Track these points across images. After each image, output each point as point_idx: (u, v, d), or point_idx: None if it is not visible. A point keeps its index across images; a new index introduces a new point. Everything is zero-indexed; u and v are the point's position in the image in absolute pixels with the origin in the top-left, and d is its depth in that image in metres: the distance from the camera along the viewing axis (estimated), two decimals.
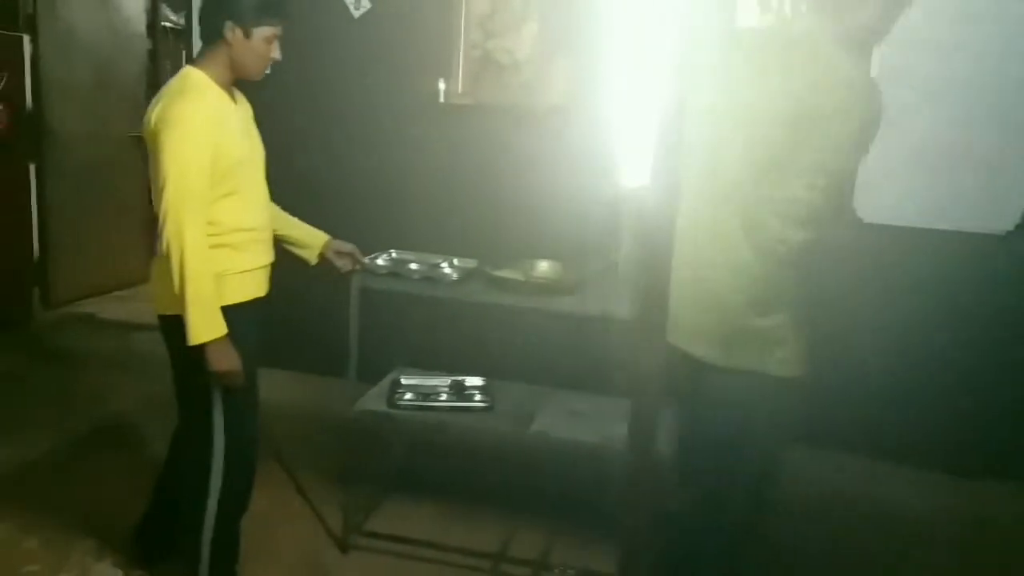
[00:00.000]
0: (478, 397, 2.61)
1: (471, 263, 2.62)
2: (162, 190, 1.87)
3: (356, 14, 3.63)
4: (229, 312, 1.98)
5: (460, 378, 2.71)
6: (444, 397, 2.60)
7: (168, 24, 5.54)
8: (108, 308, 4.85)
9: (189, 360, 1.97)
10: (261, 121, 2.19)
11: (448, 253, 2.69)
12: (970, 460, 3.19)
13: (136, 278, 5.14)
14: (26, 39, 4.33)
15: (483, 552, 2.58)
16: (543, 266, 2.56)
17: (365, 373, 2.56)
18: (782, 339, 1.71)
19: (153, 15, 5.24)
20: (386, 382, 2.71)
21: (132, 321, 4.63)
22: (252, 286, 2.11)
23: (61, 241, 4.66)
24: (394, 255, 2.68)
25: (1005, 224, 3.09)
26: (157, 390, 3.70)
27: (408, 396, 2.59)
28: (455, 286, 2.44)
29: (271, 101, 2.49)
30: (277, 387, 2.80)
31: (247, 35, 1.96)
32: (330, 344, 2.73)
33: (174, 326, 1.95)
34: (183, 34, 5.98)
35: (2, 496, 2.83)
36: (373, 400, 2.60)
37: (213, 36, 1.98)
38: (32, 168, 4.46)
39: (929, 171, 3.14)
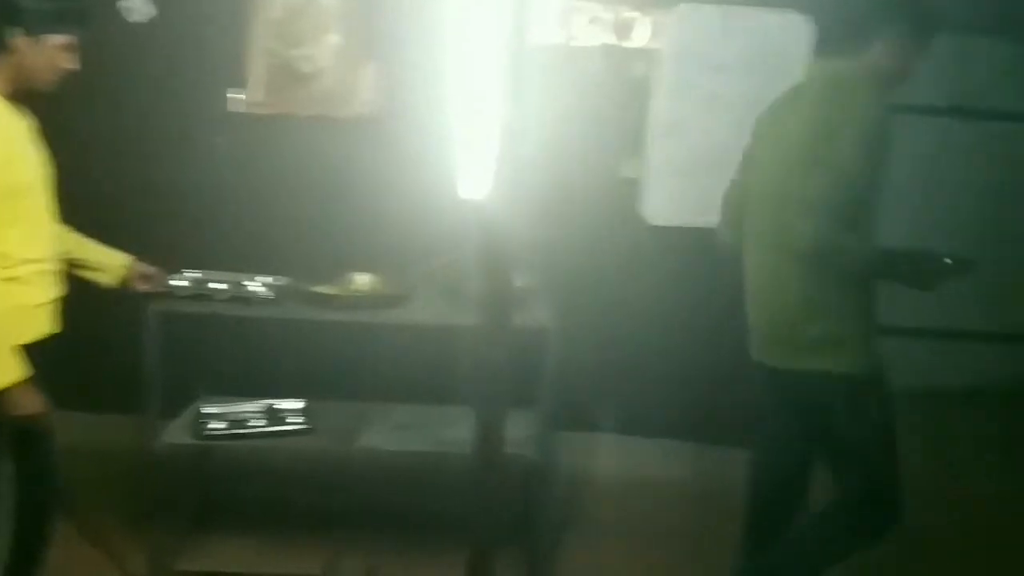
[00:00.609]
0: (295, 419, 2.52)
1: (282, 280, 2.52)
2: None
3: (131, 19, 3.36)
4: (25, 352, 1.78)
5: (273, 402, 2.60)
6: (258, 423, 2.48)
7: None
8: None
9: None
10: (44, 136, 2.00)
11: (255, 271, 2.56)
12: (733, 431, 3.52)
13: None
14: None
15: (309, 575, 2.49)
16: (361, 279, 2.53)
17: (169, 406, 2.39)
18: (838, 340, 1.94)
19: None
20: (189, 413, 2.56)
21: None
22: (44, 322, 1.91)
23: None
24: (197, 275, 2.52)
25: None
26: None
27: (215, 425, 2.45)
28: (269, 305, 2.35)
29: (56, 114, 2.26)
30: (67, 431, 2.55)
31: (37, 43, 1.79)
32: (127, 378, 2.52)
33: None
34: None
35: None
36: (176, 433, 2.45)
37: None
38: None
39: (706, 176, 3.43)
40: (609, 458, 3.37)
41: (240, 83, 3.35)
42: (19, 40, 1.78)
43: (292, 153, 3.39)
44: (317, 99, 3.40)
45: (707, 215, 3.41)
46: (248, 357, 2.99)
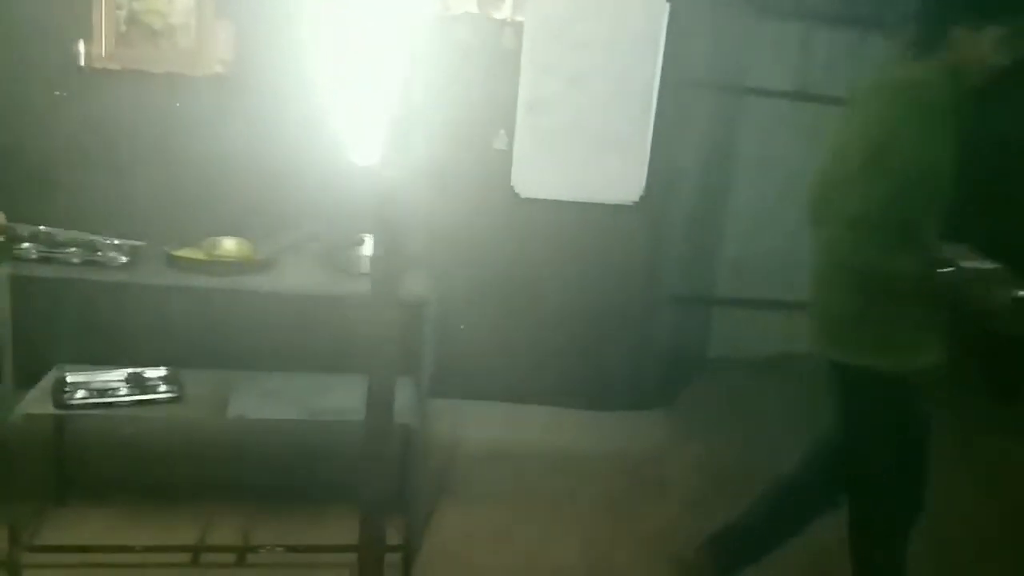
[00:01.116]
0: (162, 388, 2.43)
1: (138, 243, 2.41)
2: None
3: None
4: None
5: (138, 370, 2.49)
6: (123, 391, 2.38)
7: None
8: None
9: None
10: None
11: (110, 234, 2.43)
12: (605, 396, 3.74)
13: None
14: None
15: (180, 546, 2.44)
16: (227, 244, 2.45)
17: (20, 376, 2.25)
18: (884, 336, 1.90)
19: None
20: (47, 381, 2.41)
21: None
22: None
23: None
24: (42, 230, 2.35)
25: (633, 195, 3.64)
26: None
27: (80, 394, 2.33)
28: (126, 269, 2.25)
29: None
30: None
31: None
32: None
33: None
34: None
35: None
36: (36, 403, 2.30)
37: None
38: None
39: (574, 151, 3.58)
40: (482, 424, 3.46)
41: (86, 36, 3.14)
42: None
43: (142, 110, 3.22)
44: (169, 56, 3.24)
45: (572, 189, 3.60)
46: (108, 323, 2.85)
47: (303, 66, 3.19)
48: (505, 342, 3.60)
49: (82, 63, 3.15)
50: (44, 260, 2.23)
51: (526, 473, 3.20)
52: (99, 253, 2.28)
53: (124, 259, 2.26)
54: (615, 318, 3.72)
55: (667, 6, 3.47)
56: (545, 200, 3.58)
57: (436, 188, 3.14)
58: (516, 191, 3.55)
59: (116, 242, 2.33)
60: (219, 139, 3.14)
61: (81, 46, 3.14)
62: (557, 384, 3.67)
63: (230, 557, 2.46)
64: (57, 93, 3.20)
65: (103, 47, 3.17)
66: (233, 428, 2.41)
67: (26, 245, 2.23)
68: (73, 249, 2.27)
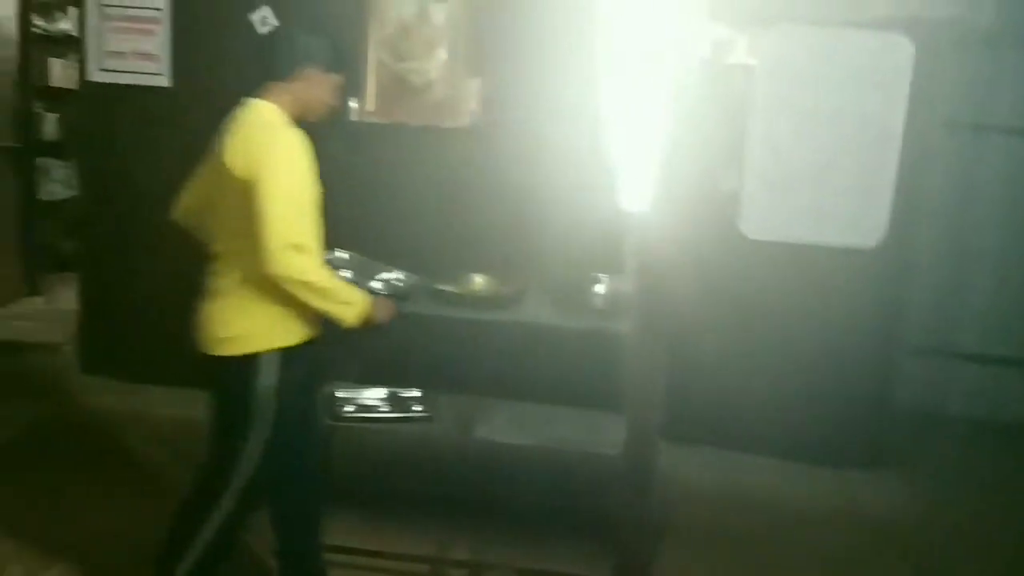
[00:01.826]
0: (417, 407, 2.68)
1: (413, 277, 2.69)
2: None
3: (262, 31, 3.63)
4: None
5: (396, 390, 2.77)
6: (384, 408, 2.66)
7: (37, 30, 5.25)
8: None
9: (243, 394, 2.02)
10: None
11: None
12: (835, 450, 3.57)
13: (12, 295, 4.89)
14: None
15: (422, 556, 2.65)
16: (477, 280, 2.68)
17: None
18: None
19: (24, 21, 4.97)
20: (321, 396, 2.74)
21: (12, 340, 4.40)
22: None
23: None
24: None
25: (872, 239, 3.49)
26: (50, 413, 3.59)
27: (349, 408, 2.63)
28: (405, 300, 2.51)
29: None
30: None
31: (324, 78, 2.09)
32: None
33: (234, 365, 2.01)
34: (55, 40, 5.70)
35: None
36: None
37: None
38: None
39: (806, 192, 3.51)
40: (707, 471, 3.43)
41: (357, 94, 3.58)
42: (311, 73, 2.04)
43: (401, 159, 3.60)
44: (427, 110, 3.60)
45: (804, 232, 3.52)
46: (369, 346, 3.19)
47: (544, 116, 3.41)
48: (728, 388, 3.56)
49: (353, 117, 3.59)
50: None
51: (749, 524, 3.13)
52: (393, 284, 2.54)
53: (405, 290, 2.51)
54: (849, 369, 3.56)
55: (911, 46, 3.33)
56: (775, 243, 3.53)
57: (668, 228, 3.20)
58: (743, 233, 3.53)
59: (402, 276, 2.60)
60: (469, 185, 3.44)
61: (352, 102, 3.59)
62: (783, 435, 3.56)
63: (463, 573, 2.64)
64: (336, 144, 3.65)
65: (370, 103, 3.60)
66: (478, 450, 2.59)
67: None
68: (376, 284, 2.53)
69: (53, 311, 4.86)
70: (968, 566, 2.98)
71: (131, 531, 2.67)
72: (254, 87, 3.53)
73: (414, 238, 3.44)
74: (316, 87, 2.07)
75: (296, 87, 2.05)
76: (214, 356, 2.04)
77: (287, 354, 2.03)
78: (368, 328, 2.08)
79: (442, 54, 3.55)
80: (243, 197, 1.91)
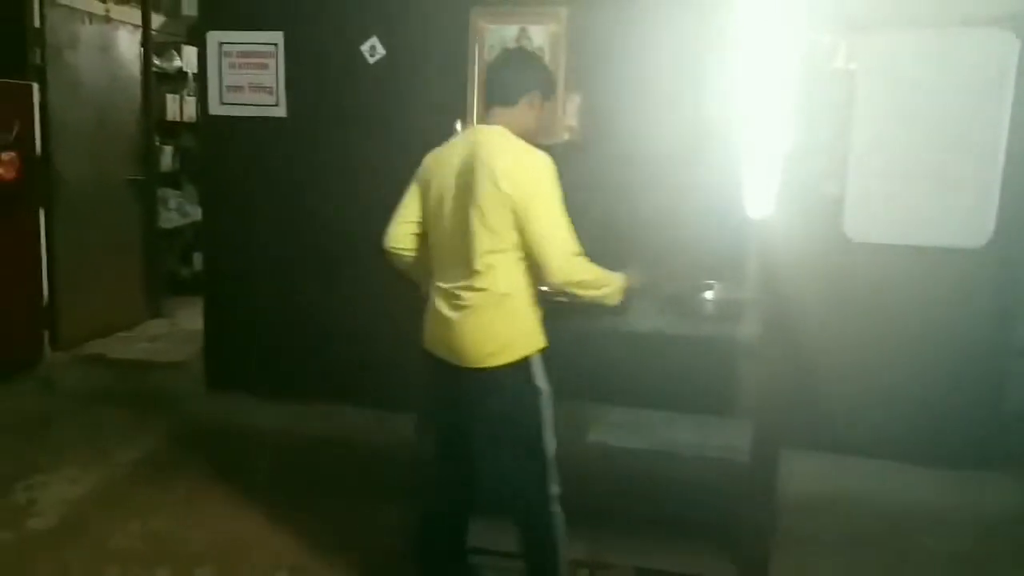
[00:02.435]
0: None
1: None
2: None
3: (371, 60, 3.85)
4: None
5: None
6: None
7: (156, 69, 5.65)
8: (115, 348, 4.89)
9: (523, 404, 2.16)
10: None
11: None
12: (948, 452, 3.52)
13: (138, 318, 5.23)
14: (35, 88, 4.41)
15: None
16: None
17: None
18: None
19: (147, 61, 5.35)
20: None
21: (141, 360, 4.71)
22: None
23: (69, 283, 4.70)
24: None
25: (980, 239, 3.45)
26: (182, 427, 3.86)
27: None
28: None
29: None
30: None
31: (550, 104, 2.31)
32: None
33: (511, 373, 2.13)
34: (171, 78, 6.11)
35: (68, 530, 2.92)
36: None
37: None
38: (41, 213, 4.50)
39: (910, 194, 3.49)
40: (823, 475, 3.43)
41: (463, 114, 3.74)
42: (533, 99, 2.20)
43: None
44: None
45: (909, 233, 3.51)
46: None
47: (639, 128, 3.50)
48: (837, 392, 3.56)
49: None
50: None
51: (865, 526, 3.12)
52: None
53: None
54: (960, 370, 3.51)
55: (1018, 43, 3.29)
56: (879, 244, 3.52)
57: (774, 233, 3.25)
58: (848, 236, 3.53)
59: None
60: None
61: (458, 124, 3.75)
62: (895, 437, 3.53)
63: (584, 572, 2.73)
64: None
65: (475, 121, 3.75)
66: (591, 453, 2.68)
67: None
68: None
69: (177, 332, 5.19)
70: None
71: (264, 538, 2.88)
72: (365, 114, 3.84)
73: None
74: (536, 113, 2.22)
75: (519, 112, 2.20)
76: (479, 369, 2.14)
77: (544, 355, 2.20)
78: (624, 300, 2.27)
79: None
80: (510, 216, 2.07)
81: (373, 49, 3.85)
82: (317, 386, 4.06)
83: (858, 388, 3.54)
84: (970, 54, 3.37)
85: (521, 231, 2.07)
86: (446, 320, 2.16)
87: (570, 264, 2.08)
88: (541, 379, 2.17)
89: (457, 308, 2.14)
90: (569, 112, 3.66)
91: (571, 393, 2.95)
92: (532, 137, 2.23)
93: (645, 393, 2.96)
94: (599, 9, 3.57)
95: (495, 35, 3.71)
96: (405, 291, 2.50)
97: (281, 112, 3.99)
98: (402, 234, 2.29)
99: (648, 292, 2.88)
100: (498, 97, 2.20)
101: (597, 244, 3.37)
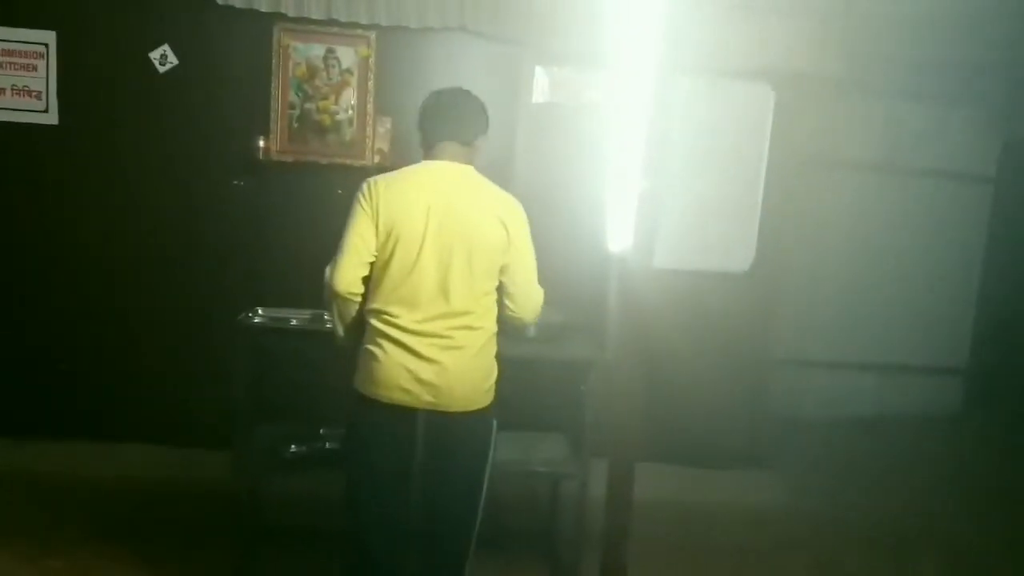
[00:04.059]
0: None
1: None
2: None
3: (161, 69, 3.58)
4: None
5: (333, 428, 2.81)
6: (329, 445, 2.70)
7: None
8: None
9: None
10: None
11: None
12: (727, 455, 3.95)
13: None
14: None
15: None
16: None
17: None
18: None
19: None
20: (259, 436, 2.74)
21: None
22: None
23: None
24: (263, 312, 2.75)
25: (744, 265, 3.93)
26: None
27: (292, 448, 2.66)
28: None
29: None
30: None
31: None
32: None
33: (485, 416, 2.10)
34: None
35: None
36: (255, 454, 2.64)
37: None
38: None
39: (691, 225, 3.89)
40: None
41: (265, 132, 3.59)
42: (483, 140, 2.21)
43: (311, 197, 3.64)
44: (334, 148, 3.67)
45: (687, 260, 3.89)
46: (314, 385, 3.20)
47: None
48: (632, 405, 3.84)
49: (261, 156, 3.59)
50: (270, 331, 2.59)
51: (657, 525, 3.41)
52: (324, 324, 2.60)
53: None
54: (729, 380, 3.96)
55: (773, 94, 3.81)
56: (670, 270, 3.87)
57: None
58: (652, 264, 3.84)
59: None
60: None
61: (260, 142, 3.59)
62: (678, 443, 3.89)
63: None
64: (236, 182, 3.65)
65: (278, 142, 3.62)
66: None
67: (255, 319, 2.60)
68: (295, 322, 2.63)
69: None
70: (853, 551, 3.41)
71: None
72: (151, 126, 3.55)
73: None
74: (481, 152, 2.21)
75: (473, 152, 2.18)
76: (447, 413, 2.04)
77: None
78: None
79: (350, 94, 3.65)
80: (502, 258, 2.07)
81: (164, 57, 3.58)
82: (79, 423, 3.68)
83: (651, 400, 3.85)
84: (736, 102, 3.83)
85: (503, 272, 2.10)
86: (428, 362, 2.02)
87: (538, 312, 2.19)
88: (495, 428, 2.17)
89: (447, 349, 2.03)
90: (379, 136, 3.66)
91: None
92: None
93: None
94: (408, 34, 3.61)
95: (301, 53, 3.61)
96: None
97: (51, 119, 3.57)
98: (358, 278, 2.07)
99: None
100: (457, 135, 2.15)
101: None
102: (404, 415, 2.03)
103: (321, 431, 2.78)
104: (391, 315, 2.03)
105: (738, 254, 3.96)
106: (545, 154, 3.73)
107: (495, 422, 2.15)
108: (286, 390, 2.89)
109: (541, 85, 3.74)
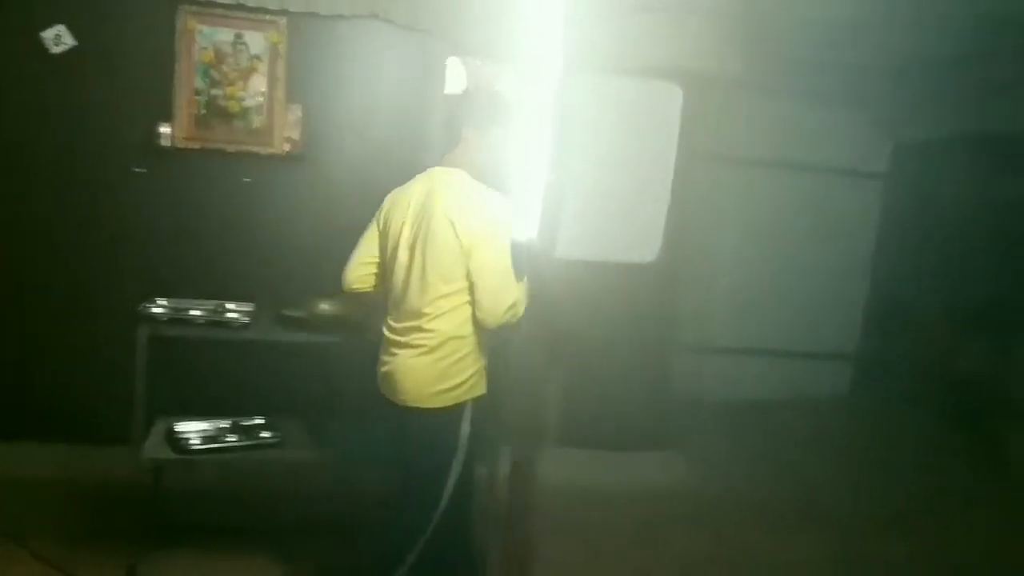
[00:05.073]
0: (265, 434, 2.73)
1: (247, 306, 2.75)
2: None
3: (55, 50, 3.43)
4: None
5: (238, 419, 2.79)
6: (232, 438, 2.67)
7: None
8: None
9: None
10: None
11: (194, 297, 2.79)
12: (626, 437, 4.08)
13: None
14: None
15: None
16: (325, 304, 2.79)
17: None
18: None
19: None
20: (158, 430, 2.69)
21: None
22: None
23: None
24: (165, 302, 2.70)
25: (650, 256, 4.06)
26: None
27: (194, 441, 2.62)
28: (251, 328, 2.57)
29: None
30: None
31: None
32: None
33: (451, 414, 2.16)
34: None
35: None
36: (156, 449, 2.59)
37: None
38: None
39: (597, 217, 3.99)
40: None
41: (168, 118, 3.50)
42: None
43: (219, 185, 3.57)
44: (242, 136, 3.60)
45: (596, 251, 4.00)
46: (207, 379, 3.14)
47: (366, 142, 3.58)
48: (537, 391, 3.93)
49: (164, 143, 3.50)
50: (173, 322, 2.55)
51: (564, 506, 3.51)
52: (226, 314, 2.60)
53: (247, 320, 2.58)
54: (635, 367, 4.10)
55: (680, 92, 3.94)
56: (568, 260, 3.97)
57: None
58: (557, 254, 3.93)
59: (233, 305, 2.67)
60: (290, 210, 3.50)
61: (164, 128, 3.50)
62: (586, 427, 4.00)
63: None
64: (136, 169, 3.54)
65: (183, 128, 3.53)
66: (332, 471, 2.69)
67: (155, 309, 2.55)
68: (198, 312, 2.60)
69: None
70: (753, 528, 3.58)
71: None
72: (40, 111, 3.41)
73: (251, 266, 3.43)
74: (476, 146, 2.29)
75: (467, 150, 2.28)
76: (413, 408, 2.15)
77: (477, 404, 2.20)
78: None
79: (259, 80, 3.58)
80: (447, 260, 2.11)
81: (58, 38, 3.43)
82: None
83: (562, 386, 3.95)
84: (646, 100, 3.95)
85: (470, 275, 2.13)
86: (388, 357, 2.23)
87: (509, 314, 2.18)
88: (467, 425, 2.20)
89: (399, 347, 2.20)
90: (290, 124, 3.61)
91: (308, 410, 2.96)
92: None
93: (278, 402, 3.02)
94: (319, 21, 3.57)
95: (207, 37, 3.52)
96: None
97: None
98: (361, 275, 2.37)
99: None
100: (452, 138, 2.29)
101: (320, 255, 3.43)
102: (388, 404, 2.27)
103: (226, 423, 2.75)
104: (388, 314, 2.29)
105: (644, 245, 4.08)
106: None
107: (464, 425, 2.19)
108: (188, 382, 2.86)
109: (454, 76, 3.76)
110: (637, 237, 4.06)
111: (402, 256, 2.21)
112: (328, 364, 2.99)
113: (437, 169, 2.27)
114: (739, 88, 4.46)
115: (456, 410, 2.18)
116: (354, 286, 2.38)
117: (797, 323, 5.39)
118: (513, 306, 2.19)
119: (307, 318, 2.68)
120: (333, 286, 2.99)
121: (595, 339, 4.00)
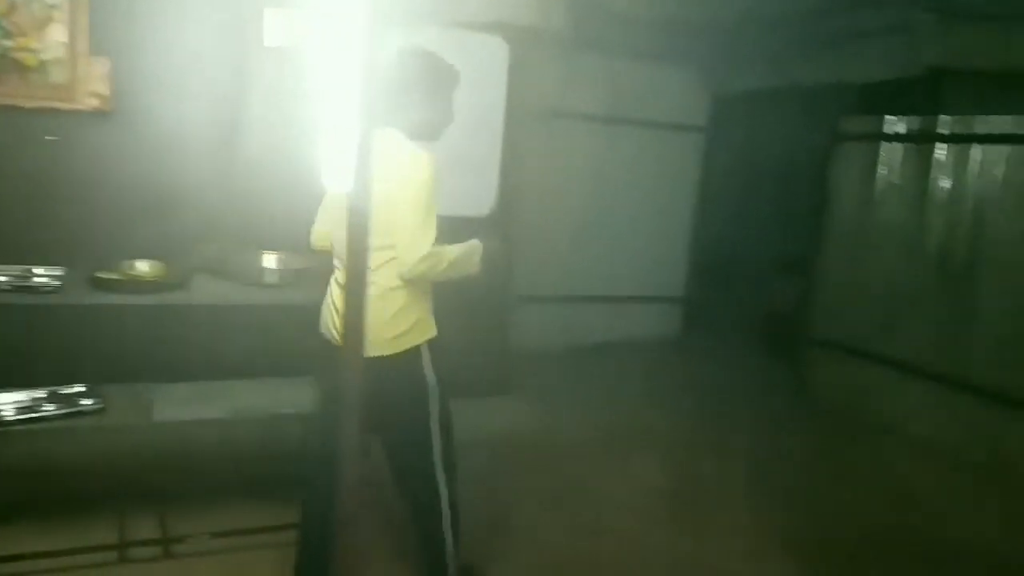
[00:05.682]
0: (85, 401, 2.62)
1: (57, 270, 2.61)
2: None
3: None
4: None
5: (56, 388, 2.67)
6: (50, 407, 2.55)
7: None
8: None
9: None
10: None
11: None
12: (470, 384, 4.18)
13: None
14: None
15: (105, 545, 2.61)
16: (142, 266, 2.69)
17: None
18: None
19: None
20: None
21: None
22: None
23: None
24: None
25: (485, 210, 4.16)
26: None
27: (7, 412, 2.48)
28: (62, 293, 2.44)
29: None
30: None
31: None
32: None
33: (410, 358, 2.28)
34: None
35: None
36: None
37: None
38: None
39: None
40: None
41: None
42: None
43: (16, 144, 3.31)
44: (41, 91, 3.35)
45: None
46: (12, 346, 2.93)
47: (180, 96, 3.42)
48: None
49: None
50: None
51: None
52: (32, 279, 2.45)
53: (58, 283, 2.44)
54: (476, 317, 4.20)
55: (507, 46, 4.02)
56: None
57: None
58: None
59: (41, 270, 2.52)
60: (102, 169, 3.31)
61: None
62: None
63: (156, 549, 2.67)
64: None
65: None
66: (157, 433, 2.63)
67: None
68: (3, 278, 2.43)
69: None
70: (597, 471, 3.79)
71: None
72: None
73: (62, 229, 3.21)
74: (407, 111, 2.35)
75: (405, 117, 2.34)
76: (372, 357, 2.00)
77: (432, 344, 2.34)
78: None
79: (58, 31, 3.33)
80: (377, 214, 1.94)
81: None
82: None
83: None
84: (474, 54, 4.00)
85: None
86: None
87: (423, 266, 2.21)
88: (429, 369, 2.35)
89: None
90: (97, 78, 3.39)
91: (130, 376, 2.85)
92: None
93: (212, 366, 2.97)
94: None
95: None
96: None
97: None
98: (321, 234, 2.45)
99: (211, 265, 2.91)
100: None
101: (135, 214, 3.28)
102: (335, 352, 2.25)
103: (42, 393, 2.62)
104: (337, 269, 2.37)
105: (479, 200, 4.17)
106: (277, 97, 3.67)
107: (426, 364, 2.36)
108: None
109: (271, 27, 3.65)
110: (471, 191, 4.13)
111: (344, 214, 2.22)
112: (153, 327, 2.88)
113: (378, 131, 2.27)
114: (568, 45, 4.60)
115: (411, 353, 2.31)
116: (316, 245, 2.48)
117: (628, 270, 5.69)
118: (427, 258, 2.24)
119: (122, 280, 2.57)
120: (150, 247, 2.91)
121: (436, 291, 4.08)
